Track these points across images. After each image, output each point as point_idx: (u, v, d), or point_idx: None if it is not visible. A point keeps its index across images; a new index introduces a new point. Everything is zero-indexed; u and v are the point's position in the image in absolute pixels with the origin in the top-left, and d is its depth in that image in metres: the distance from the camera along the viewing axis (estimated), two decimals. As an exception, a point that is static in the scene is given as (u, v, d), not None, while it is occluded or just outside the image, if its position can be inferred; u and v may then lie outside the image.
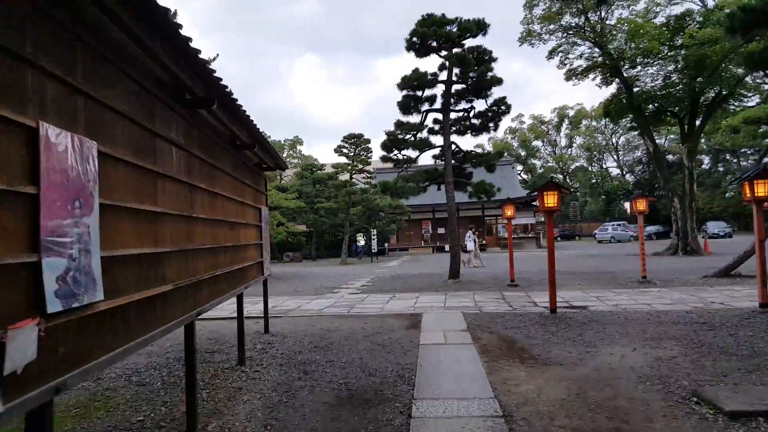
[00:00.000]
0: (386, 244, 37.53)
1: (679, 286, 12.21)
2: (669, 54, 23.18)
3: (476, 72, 13.92)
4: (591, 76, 24.66)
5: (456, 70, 14.29)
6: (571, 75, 24.19)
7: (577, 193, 76.18)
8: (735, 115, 33.28)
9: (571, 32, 23.45)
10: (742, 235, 40.86)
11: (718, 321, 7.59)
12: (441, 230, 39.30)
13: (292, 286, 15.98)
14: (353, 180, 29.06)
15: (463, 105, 14.97)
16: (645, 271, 13.43)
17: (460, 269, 14.90)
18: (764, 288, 8.12)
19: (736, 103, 25.32)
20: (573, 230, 61.94)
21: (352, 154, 28.51)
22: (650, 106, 24.32)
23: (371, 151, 28.52)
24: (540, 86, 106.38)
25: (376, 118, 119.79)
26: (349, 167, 28.74)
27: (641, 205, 13.40)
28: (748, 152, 59.28)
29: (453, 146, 14.85)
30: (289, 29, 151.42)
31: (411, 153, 15.05)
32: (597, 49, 23.54)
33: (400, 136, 14.63)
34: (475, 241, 22.03)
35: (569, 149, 75.32)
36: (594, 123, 71.25)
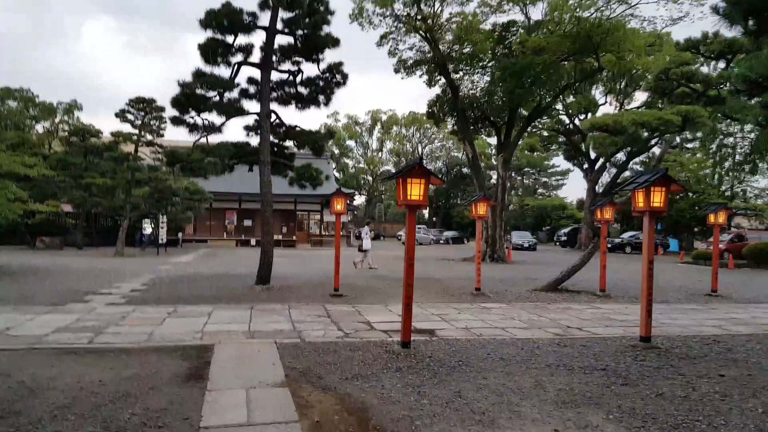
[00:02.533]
0: (180, 234, 32.21)
1: (514, 302, 10.95)
2: (489, 64, 23.29)
3: (308, 24, 10.97)
4: (419, 72, 23.66)
5: (283, 15, 11.16)
6: (401, 66, 22.82)
7: (382, 196, 78.35)
8: (533, 136, 36.06)
9: (402, 21, 22.01)
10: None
11: (612, 363, 5.90)
12: (248, 222, 35.35)
13: (23, 287, 11.11)
14: (139, 154, 23.64)
15: (289, 66, 11.91)
16: (479, 283, 12.02)
17: (271, 273, 11.78)
18: (649, 318, 6.77)
19: (545, 120, 26.76)
20: (378, 231, 63.01)
21: (139, 122, 23.11)
22: (471, 113, 24.22)
23: (165, 122, 23.47)
24: (357, 87, 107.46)
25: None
26: (135, 137, 23.26)
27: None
28: (531, 171, 66.97)
29: (273, 117, 11.69)
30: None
31: (216, 119, 11.46)
32: (427, 45, 22.51)
33: (200, 92, 10.88)
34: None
35: (380, 153, 76.83)
36: (404, 131, 73.92)
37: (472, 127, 24.86)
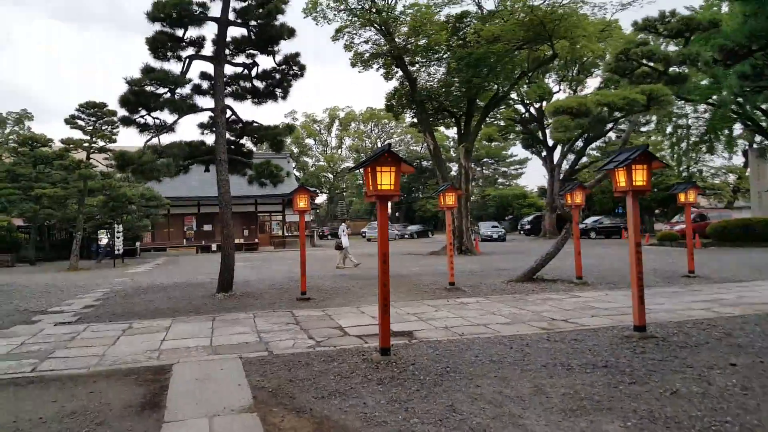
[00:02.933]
0: (138, 244, 30.83)
1: (491, 294, 10.63)
2: (444, 57, 22.97)
3: (261, 13, 10.28)
4: (375, 66, 23.17)
5: (235, 5, 10.43)
6: (357, 60, 22.27)
7: (344, 193, 77.75)
8: (490, 126, 36.04)
9: (357, 14, 21.45)
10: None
11: (612, 359, 5.52)
12: (207, 227, 34.16)
13: (-42, 312, 10.09)
14: (91, 161, 22.34)
15: (244, 59, 11.19)
16: (453, 277, 11.64)
17: (233, 279, 11.10)
18: (642, 306, 6.46)
19: (502, 109, 26.64)
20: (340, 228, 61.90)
21: (90, 128, 21.86)
22: (430, 104, 23.93)
23: (118, 127, 22.26)
24: (314, 84, 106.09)
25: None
26: (87, 144, 21.97)
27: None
28: (490, 162, 67.46)
29: (228, 113, 10.96)
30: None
31: (167, 117, 10.64)
32: (383, 38, 22.01)
33: (150, 89, 10.06)
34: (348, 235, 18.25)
35: (339, 150, 76.17)
36: (362, 126, 73.36)
37: (431, 119, 24.53)
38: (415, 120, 25.50)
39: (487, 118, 28.59)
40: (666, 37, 11.79)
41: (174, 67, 10.45)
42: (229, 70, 11.13)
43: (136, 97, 9.93)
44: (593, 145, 38.13)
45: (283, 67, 11.16)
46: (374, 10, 21.27)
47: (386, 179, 5.63)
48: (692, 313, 8.09)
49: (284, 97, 11.48)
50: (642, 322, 6.49)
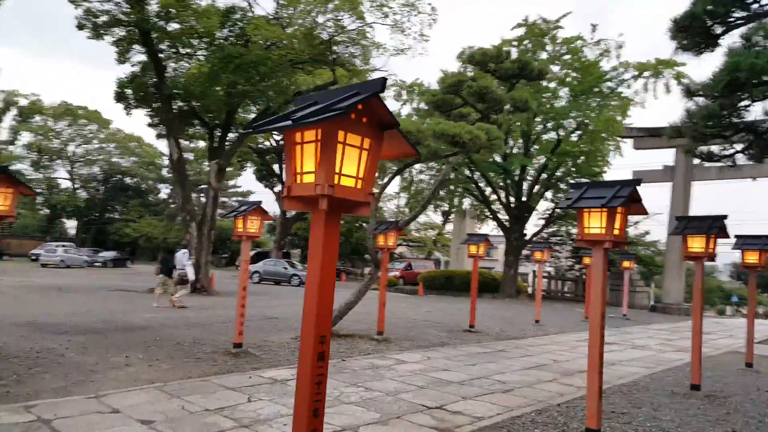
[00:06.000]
0: None
1: (290, 362, 7.59)
2: (197, 53, 19.22)
3: None
4: (112, 37, 17.47)
5: None
6: (89, 21, 16.26)
7: None
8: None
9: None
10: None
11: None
12: None
13: None
14: None
15: None
16: (242, 336, 8.09)
17: None
18: (600, 404, 4.55)
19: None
20: (1, 247, 47.91)
21: None
22: (181, 102, 19.47)
23: None
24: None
25: None
26: None
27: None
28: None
29: None
30: None
31: None
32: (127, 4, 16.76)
33: None
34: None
35: (11, 146, 60.03)
36: (51, 123, 59.49)
37: (182, 123, 20.05)
38: (156, 120, 20.28)
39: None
40: (498, 78, 11.21)
41: None
42: None
43: None
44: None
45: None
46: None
47: (352, 164, 2.40)
48: (547, 387, 6.92)
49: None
50: (598, 426, 4.62)
